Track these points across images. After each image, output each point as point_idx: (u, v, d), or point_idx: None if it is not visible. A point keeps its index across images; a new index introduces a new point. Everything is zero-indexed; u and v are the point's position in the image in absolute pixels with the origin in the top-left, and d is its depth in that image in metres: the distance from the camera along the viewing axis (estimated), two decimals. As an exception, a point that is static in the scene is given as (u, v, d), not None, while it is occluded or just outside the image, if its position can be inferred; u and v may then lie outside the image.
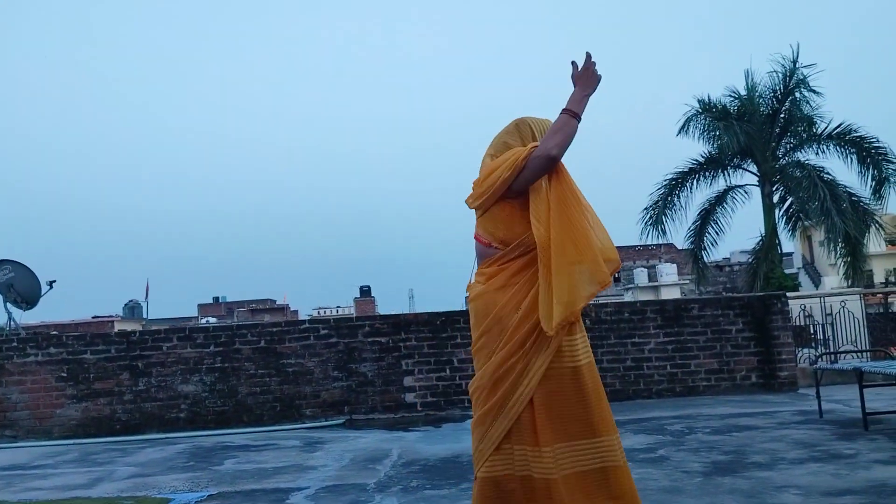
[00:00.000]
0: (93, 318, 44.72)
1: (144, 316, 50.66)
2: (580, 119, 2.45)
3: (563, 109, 2.47)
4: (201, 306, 63.25)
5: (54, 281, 9.99)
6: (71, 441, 7.50)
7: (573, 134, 2.44)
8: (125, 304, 54.84)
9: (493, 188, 2.47)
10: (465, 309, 9.22)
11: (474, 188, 2.60)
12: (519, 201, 2.51)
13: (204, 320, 46.86)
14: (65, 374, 7.96)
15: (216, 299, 66.92)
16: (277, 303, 61.14)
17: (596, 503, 2.37)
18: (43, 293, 9.83)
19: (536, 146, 2.47)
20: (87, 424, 7.91)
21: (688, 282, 36.55)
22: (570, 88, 2.51)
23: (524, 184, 2.47)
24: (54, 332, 8.39)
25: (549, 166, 2.42)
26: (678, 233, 19.56)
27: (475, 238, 2.64)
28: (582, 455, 2.40)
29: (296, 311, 55.39)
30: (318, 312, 56.89)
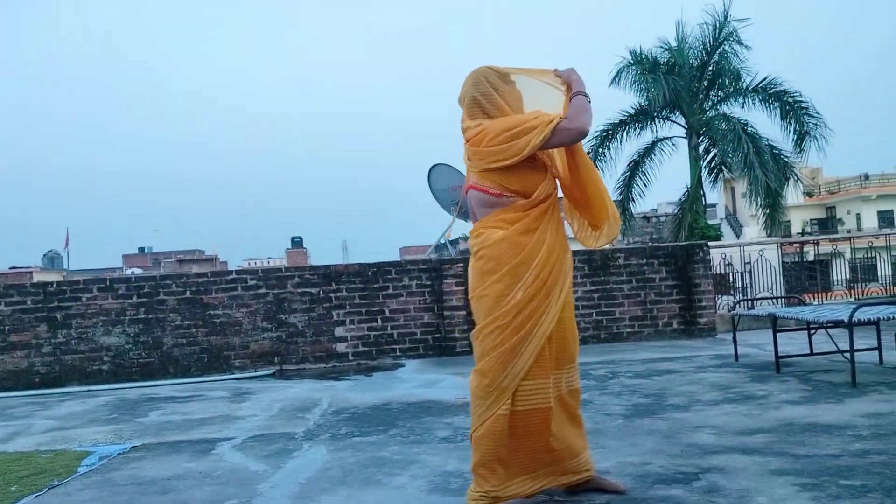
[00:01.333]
0: (10, 269, 43.01)
1: (65, 267, 48.93)
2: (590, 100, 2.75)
3: (578, 93, 2.71)
4: (126, 257, 61.50)
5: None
6: (-14, 395, 7.23)
7: (592, 113, 2.71)
8: (44, 255, 52.83)
9: (521, 152, 2.60)
10: (397, 260, 9.18)
11: (479, 145, 2.67)
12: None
13: (129, 271, 45.53)
14: (-23, 327, 7.63)
15: (142, 250, 65.11)
16: (206, 254, 59.87)
17: (567, 417, 2.76)
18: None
19: (563, 117, 2.63)
20: (3, 378, 7.63)
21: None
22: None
23: (546, 149, 2.69)
24: (-35, 284, 8.03)
25: (579, 139, 2.69)
26: (608, 184, 19.74)
27: (478, 189, 2.73)
28: (566, 378, 2.77)
29: (225, 263, 54.34)
30: (249, 263, 55.94)
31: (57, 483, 3.52)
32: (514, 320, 2.59)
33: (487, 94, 2.75)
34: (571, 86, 2.77)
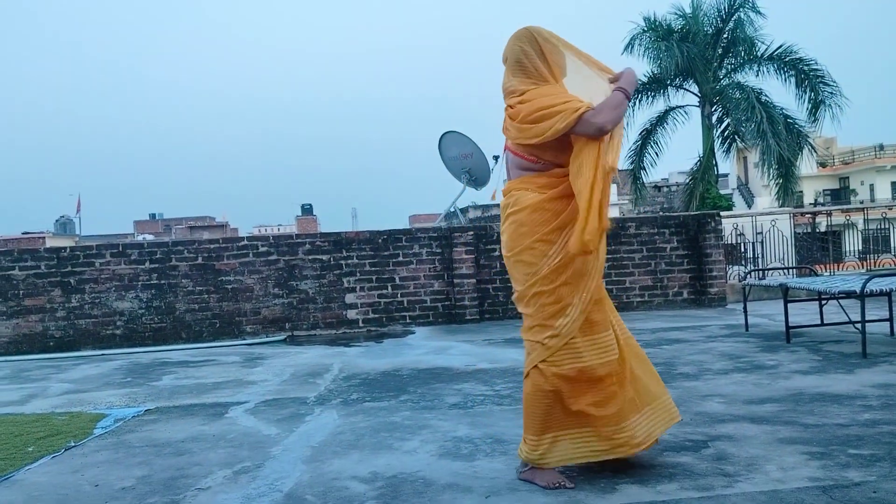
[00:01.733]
0: (22, 234, 43.28)
1: (77, 232, 49.25)
2: (630, 99, 2.70)
3: (619, 88, 2.63)
4: (137, 223, 61.79)
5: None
6: (2, 358, 7.33)
7: (624, 112, 2.65)
8: (56, 220, 53.15)
9: (543, 134, 2.57)
10: (407, 227, 9.17)
11: (515, 119, 2.65)
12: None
13: (140, 237, 45.78)
14: (-8, 291, 7.71)
15: (153, 216, 65.39)
16: (217, 220, 60.06)
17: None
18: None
19: (591, 108, 2.56)
20: (18, 341, 7.73)
21: (626, 202, 37.21)
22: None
23: (573, 134, 2.60)
24: (-21, 248, 8.10)
25: (598, 136, 2.56)
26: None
27: (513, 153, 2.74)
28: (620, 329, 2.76)
29: (235, 229, 54.54)
30: (259, 230, 56.09)
31: (73, 444, 3.58)
32: (552, 285, 2.58)
33: (530, 55, 2.70)
34: (619, 79, 2.69)
